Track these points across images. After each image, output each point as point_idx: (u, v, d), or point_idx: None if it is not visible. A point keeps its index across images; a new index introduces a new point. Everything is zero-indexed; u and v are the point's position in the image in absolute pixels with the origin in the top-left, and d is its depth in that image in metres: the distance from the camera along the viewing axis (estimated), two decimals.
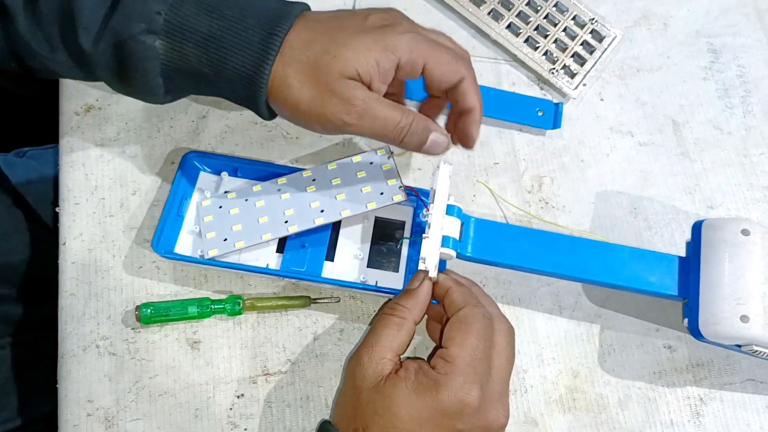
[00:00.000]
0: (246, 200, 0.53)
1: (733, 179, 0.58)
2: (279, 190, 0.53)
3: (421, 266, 0.47)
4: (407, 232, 0.54)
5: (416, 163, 0.57)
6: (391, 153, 0.54)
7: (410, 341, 0.46)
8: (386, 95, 0.48)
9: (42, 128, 0.73)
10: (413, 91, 0.56)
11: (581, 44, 0.60)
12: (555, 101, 0.58)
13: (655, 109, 0.60)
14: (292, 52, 0.45)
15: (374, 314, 0.53)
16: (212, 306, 0.51)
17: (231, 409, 0.50)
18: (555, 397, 0.52)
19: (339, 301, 0.53)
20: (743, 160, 0.58)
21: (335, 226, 0.54)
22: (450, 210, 0.49)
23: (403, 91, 0.54)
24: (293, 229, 0.51)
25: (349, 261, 0.53)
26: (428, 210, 0.49)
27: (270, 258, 0.53)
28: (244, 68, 0.45)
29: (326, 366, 0.51)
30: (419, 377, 0.43)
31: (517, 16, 0.60)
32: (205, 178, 0.55)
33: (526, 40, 0.60)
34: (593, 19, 0.60)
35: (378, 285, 0.52)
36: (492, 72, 0.60)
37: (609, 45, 0.60)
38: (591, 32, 0.60)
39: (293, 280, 0.53)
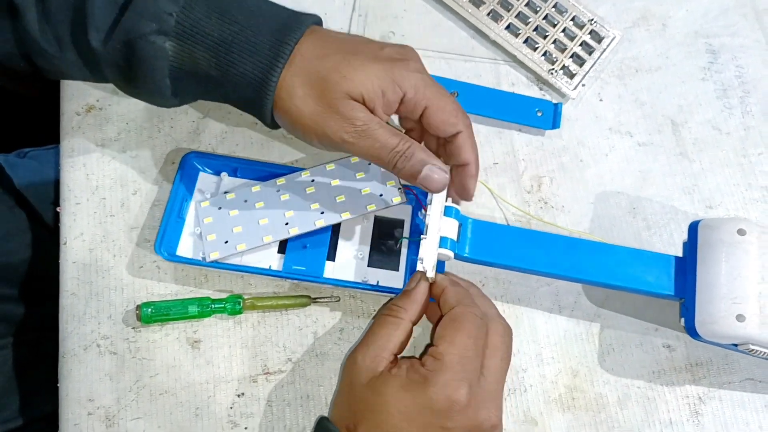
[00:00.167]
0: (245, 201, 0.53)
1: (732, 179, 0.58)
2: (278, 191, 0.53)
3: (419, 267, 0.47)
4: (406, 231, 0.55)
5: None
6: None
7: (407, 341, 0.46)
8: (407, 132, 0.50)
9: (43, 129, 0.73)
10: None
11: (580, 45, 0.60)
12: (554, 101, 0.59)
13: (653, 110, 0.60)
14: (303, 63, 0.45)
15: (374, 313, 0.53)
16: (213, 305, 0.51)
17: (231, 408, 0.51)
18: (554, 396, 0.52)
19: (339, 300, 0.53)
20: (742, 160, 0.58)
21: (335, 226, 0.54)
22: (448, 211, 0.49)
23: (421, 138, 0.52)
24: (294, 232, 0.52)
25: (349, 260, 0.54)
26: (426, 211, 0.49)
27: (272, 259, 0.53)
28: (252, 73, 0.45)
29: (326, 365, 0.52)
30: (409, 374, 0.43)
31: (516, 16, 0.61)
32: (204, 178, 0.56)
33: (526, 41, 0.60)
34: (592, 19, 0.61)
35: (379, 284, 0.52)
36: (491, 72, 0.60)
37: (608, 45, 0.60)
38: (590, 33, 0.61)
39: (295, 281, 0.53)
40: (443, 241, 0.48)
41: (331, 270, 0.53)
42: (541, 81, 0.60)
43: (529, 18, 0.61)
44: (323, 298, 0.53)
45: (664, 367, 0.53)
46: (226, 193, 0.54)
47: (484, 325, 0.45)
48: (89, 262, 0.53)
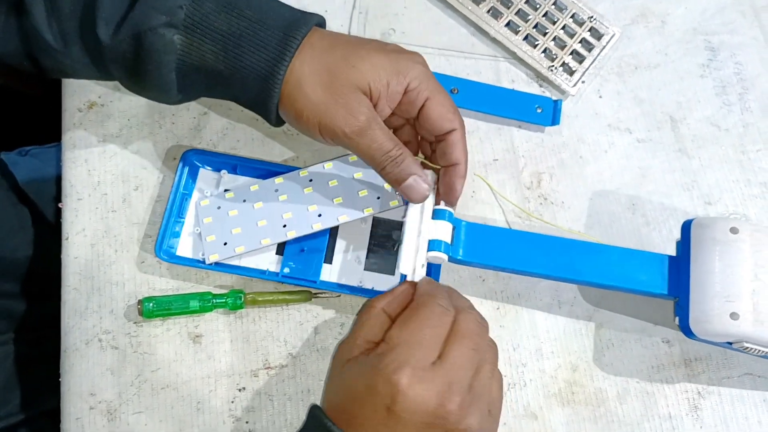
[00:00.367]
0: (244, 201, 0.53)
1: (731, 175, 0.58)
2: (276, 190, 0.53)
3: (398, 269, 0.48)
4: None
5: None
6: None
7: (383, 331, 0.45)
8: (395, 132, 0.51)
9: (43, 128, 0.73)
10: None
11: (580, 42, 0.61)
12: (554, 98, 0.59)
13: (653, 106, 0.60)
14: (313, 52, 0.46)
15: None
16: (214, 300, 0.52)
17: (232, 402, 0.51)
18: (554, 391, 0.52)
19: (339, 296, 0.53)
20: (741, 156, 0.59)
21: (333, 228, 0.54)
22: (441, 214, 0.50)
23: (417, 141, 0.54)
24: (292, 235, 0.52)
25: (347, 263, 0.54)
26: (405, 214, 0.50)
27: (270, 260, 0.53)
28: (259, 67, 0.46)
29: (327, 360, 0.52)
30: (368, 357, 0.43)
31: (516, 14, 0.61)
32: (205, 175, 0.56)
33: (525, 38, 0.60)
34: (592, 17, 0.61)
35: (374, 289, 0.53)
36: (491, 69, 0.61)
37: (607, 42, 0.61)
38: (589, 30, 0.61)
39: (292, 285, 0.53)
40: (437, 244, 0.49)
41: (328, 272, 0.53)
42: (540, 78, 0.60)
43: (529, 15, 0.61)
44: (323, 293, 0.53)
45: (663, 362, 0.53)
46: (225, 191, 0.54)
47: (446, 314, 0.44)
48: (91, 257, 0.54)
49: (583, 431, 0.51)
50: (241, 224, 0.53)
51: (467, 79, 0.59)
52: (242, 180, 0.55)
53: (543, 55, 0.60)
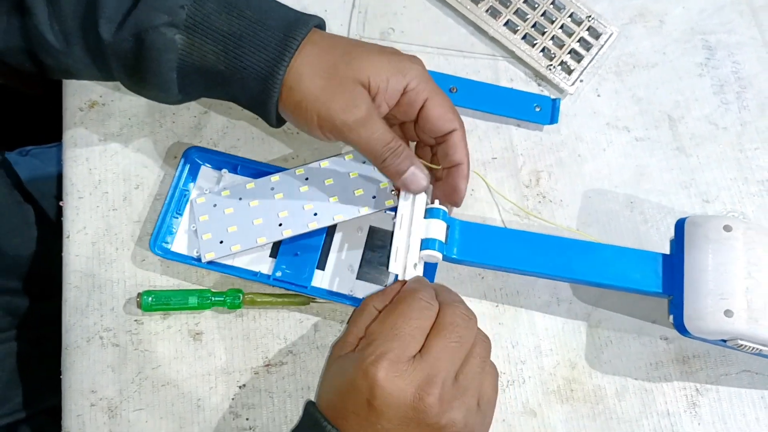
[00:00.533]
0: (240, 199, 0.53)
1: (729, 174, 0.58)
2: (272, 189, 0.54)
3: (391, 267, 0.48)
4: None
5: None
6: None
7: None
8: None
9: (44, 128, 0.73)
10: None
11: (578, 41, 0.61)
12: (552, 97, 0.59)
13: (651, 105, 0.60)
14: (313, 51, 0.47)
15: None
16: (212, 298, 0.52)
17: (233, 399, 0.51)
18: (553, 388, 0.52)
19: (337, 303, 0.53)
20: (738, 155, 0.59)
21: (329, 230, 0.54)
22: (436, 213, 0.50)
23: (408, 144, 0.53)
24: (287, 234, 0.52)
25: (339, 271, 0.54)
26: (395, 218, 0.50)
27: (263, 263, 0.54)
28: (259, 67, 0.46)
29: (326, 357, 0.52)
30: (354, 353, 0.43)
31: (514, 13, 0.61)
32: (205, 173, 0.56)
33: (524, 37, 0.61)
34: (590, 16, 0.61)
35: (364, 299, 0.52)
36: (490, 68, 0.61)
37: (605, 42, 0.61)
38: (588, 29, 0.61)
39: (283, 290, 0.53)
40: (432, 243, 0.49)
41: (319, 279, 0.53)
42: (539, 77, 0.61)
43: (528, 14, 0.61)
44: (320, 300, 0.53)
45: (662, 360, 0.53)
46: (221, 189, 0.54)
47: (428, 308, 0.43)
48: (92, 255, 0.54)
49: (582, 428, 0.51)
50: (237, 222, 0.53)
51: (466, 78, 0.59)
52: (241, 179, 0.56)
53: (541, 54, 0.60)
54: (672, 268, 0.50)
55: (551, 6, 0.61)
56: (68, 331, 0.52)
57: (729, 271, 0.47)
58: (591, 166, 0.58)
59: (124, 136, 0.57)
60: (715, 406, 0.52)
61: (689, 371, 0.53)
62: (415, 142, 0.54)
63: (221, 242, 0.52)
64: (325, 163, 0.54)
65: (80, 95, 0.58)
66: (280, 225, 0.52)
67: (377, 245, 0.54)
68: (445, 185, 0.51)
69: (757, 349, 0.47)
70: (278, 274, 0.52)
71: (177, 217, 0.54)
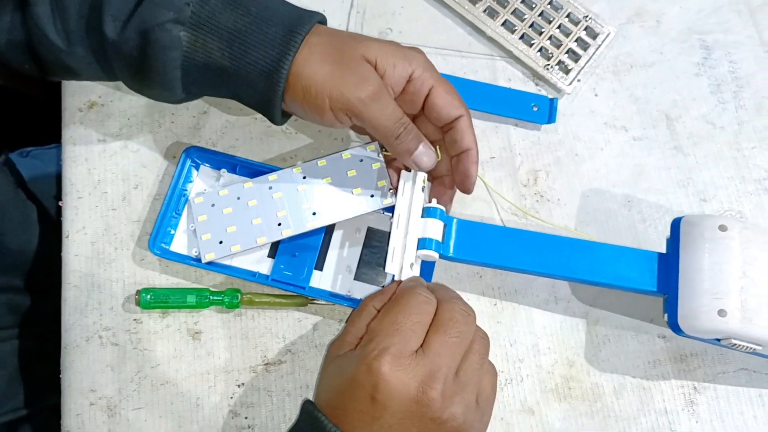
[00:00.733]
0: (238, 198, 0.54)
1: (726, 173, 0.59)
2: (270, 188, 0.54)
3: (387, 267, 0.48)
4: None
5: None
6: (381, 149, 0.54)
7: None
8: None
9: (44, 129, 0.73)
10: None
11: (575, 41, 0.61)
12: (550, 97, 0.59)
13: (648, 105, 0.61)
14: (318, 40, 0.47)
15: None
16: (211, 297, 0.52)
17: (231, 398, 0.51)
18: (551, 386, 0.52)
19: (335, 306, 0.53)
20: (735, 153, 0.59)
21: (328, 231, 0.54)
22: (432, 212, 0.50)
23: None
24: (287, 233, 0.52)
25: (337, 271, 0.54)
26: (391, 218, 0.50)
27: (262, 263, 0.54)
28: (264, 63, 0.46)
29: (324, 357, 0.52)
30: (354, 351, 0.43)
31: (512, 13, 0.62)
32: (204, 173, 0.56)
33: (522, 37, 0.61)
34: (587, 16, 0.62)
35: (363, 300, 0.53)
36: (488, 68, 0.61)
37: (603, 41, 0.61)
38: (585, 29, 0.61)
39: (281, 290, 0.53)
40: (428, 242, 0.49)
41: (318, 279, 0.53)
42: (537, 76, 0.61)
43: (525, 14, 0.61)
44: (318, 302, 0.53)
45: (659, 358, 0.53)
46: (220, 188, 0.55)
47: (427, 303, 0.44)
48: (91, 254, 0.54)
49: (580, 426, 0.52)
50: (236, 222, 0.53)
51: (464, 78, 0.60)
52: (239, 179, 0.56)
53: (539, 53, 0.61)
54: (667, 267, 0.50)
55: (549, 6, 0.62)
56: (68, 331, 0.52)
57: (724, 270, 0.47)
58: (589, 165, 0.59)
59: (123, 136, 0.58)
60: (713, 404, 0.52)
61: (687, 369, 0.53)
62: None
63: (221, 242, 0.52)
64: (322, 162, 0.54)
65: (79, 96, 0.59)
66: (279, 225, 0.52)
67: (375, 246, 0.55)
68: (456, 172, 0.51)
69: (751, 348, 0.47)
70: (276, 275, 0.53)
71: (176, 217, 0.54)
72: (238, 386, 0.52)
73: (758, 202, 0.58)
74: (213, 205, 0.53)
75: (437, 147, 0.52)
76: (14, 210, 0.63)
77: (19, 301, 0.63)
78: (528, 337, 0.54)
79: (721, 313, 0.46)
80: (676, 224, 0.51)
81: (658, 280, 0.50)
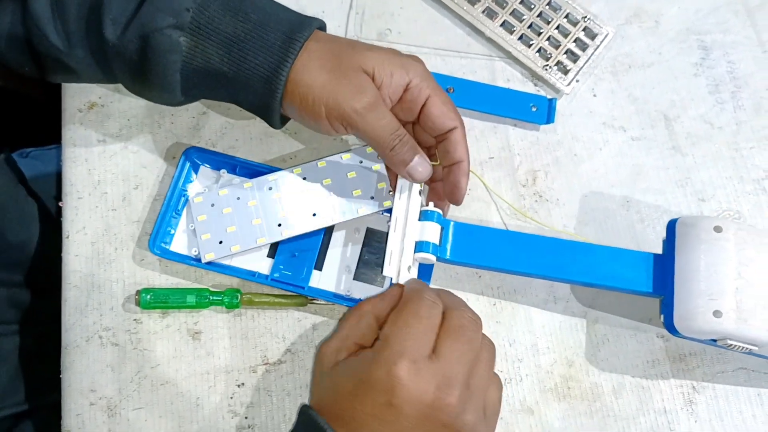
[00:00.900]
0: (238, 198, 0.54)
1: (724, 173, 0.59)
2: (270, 188, 0.54)
3: (385, 270, 0.48)
4: None
5: None
6: None
7: (372, 332, 0.46)
8: None
9: (44, 130, 0.74)
10: None
11: (574, 41, 0.61)
12: (548, 97, 0.59)
13: (647, 105, 0.61)
14: (317, 47, 0.47)
15: None
16: (211, 297, 0.52)
17: (231, 398, 0.51)
18: (550, 386, 0.53)
19: (334, 305, 0.54)
20: (734, 153, 0.59)
21: (327, 231, 0.55)
22: (430, 215, 0.50)
23: None
24: (287, 234, 0.52)
25: (336, 272, 0.54)
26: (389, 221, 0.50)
27: (261, 263, 0.54)
28: (263, 69, 0.47)
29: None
30: (360, 356, 0.43)
31: (511, 14, 0.62)
32: (204, 174, 0.56)
33: (520, 38, 0.61)
34: (586, 16, 0.62)
35: (362, 299, 0.52)
36: (487, 69, 0.61)
37: (601, 42, 0.61)
38: (584, 29, 0.62)
39: (281, 290, 0.53)
40: (425, 245, 0.49)
41: (317, 279, 0.54)
42: (535, 77, 0.61)
43: (524, 15, 0.62)
44: (319, 301, 0.53)
45: (658, 357, 0.53)
46: (219, 188, 0.55)
47: (435, 306, 0.44)
48: (91, 255, 0.54)
49: (579, 426, 0.52)
50: (236, 222, 0.53)
51: (463, 79, 0.60)
52: (239, 179, 0.56)
53: (537, 54, 0.61)
54: (663, 268, 0.50)
55: (547, 7, 0.62)
56: (68, 331, 0.53)
57: (719, 271, 0.47)
58: (587, 165, 0.59)
59: (123, 137, 0.58)
60: (712, 403, 0.53)
61: (686, 369, 0.53)
62: None
63: (221, 242, 0.52)
64: (322, 163, 0.54)
65: (79, 96, 0.59)
66: (279, 225, 0.52)
67: (374, 246, 0.55)
68: (446, 183, 0.52)
69: (747, 348, 0.47)
70: (276, 274, 0.53)
71: (176, 217, 0.54)
72: (238, 386, 0.52)
73: (756, 201, 0.58)
74: (213, 205, 0.54)
75: (435, 152, 0.52)
76: (15, 206, 0.63)
77: (20, 297, 0.63)
78: (527, 336, 0.54)
79: (717, 314, 0.46)
80: (671, 225, 0.51)
81: (654, 281, 0.50)
